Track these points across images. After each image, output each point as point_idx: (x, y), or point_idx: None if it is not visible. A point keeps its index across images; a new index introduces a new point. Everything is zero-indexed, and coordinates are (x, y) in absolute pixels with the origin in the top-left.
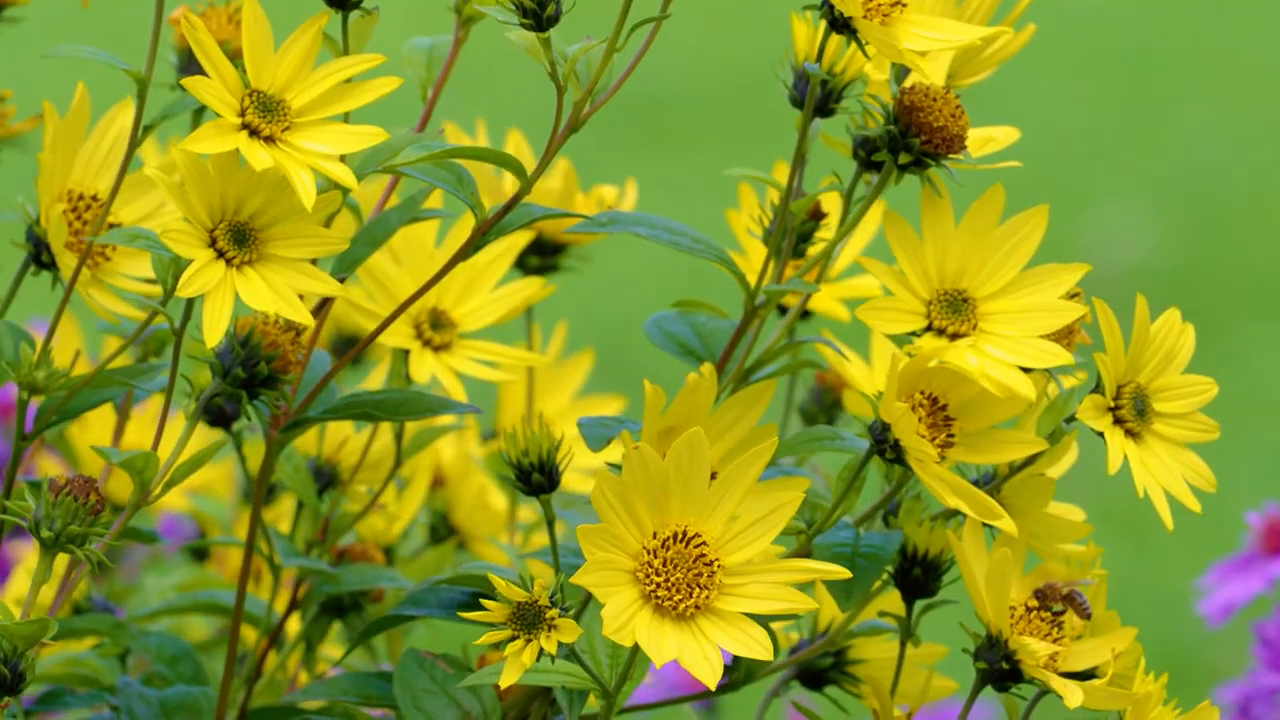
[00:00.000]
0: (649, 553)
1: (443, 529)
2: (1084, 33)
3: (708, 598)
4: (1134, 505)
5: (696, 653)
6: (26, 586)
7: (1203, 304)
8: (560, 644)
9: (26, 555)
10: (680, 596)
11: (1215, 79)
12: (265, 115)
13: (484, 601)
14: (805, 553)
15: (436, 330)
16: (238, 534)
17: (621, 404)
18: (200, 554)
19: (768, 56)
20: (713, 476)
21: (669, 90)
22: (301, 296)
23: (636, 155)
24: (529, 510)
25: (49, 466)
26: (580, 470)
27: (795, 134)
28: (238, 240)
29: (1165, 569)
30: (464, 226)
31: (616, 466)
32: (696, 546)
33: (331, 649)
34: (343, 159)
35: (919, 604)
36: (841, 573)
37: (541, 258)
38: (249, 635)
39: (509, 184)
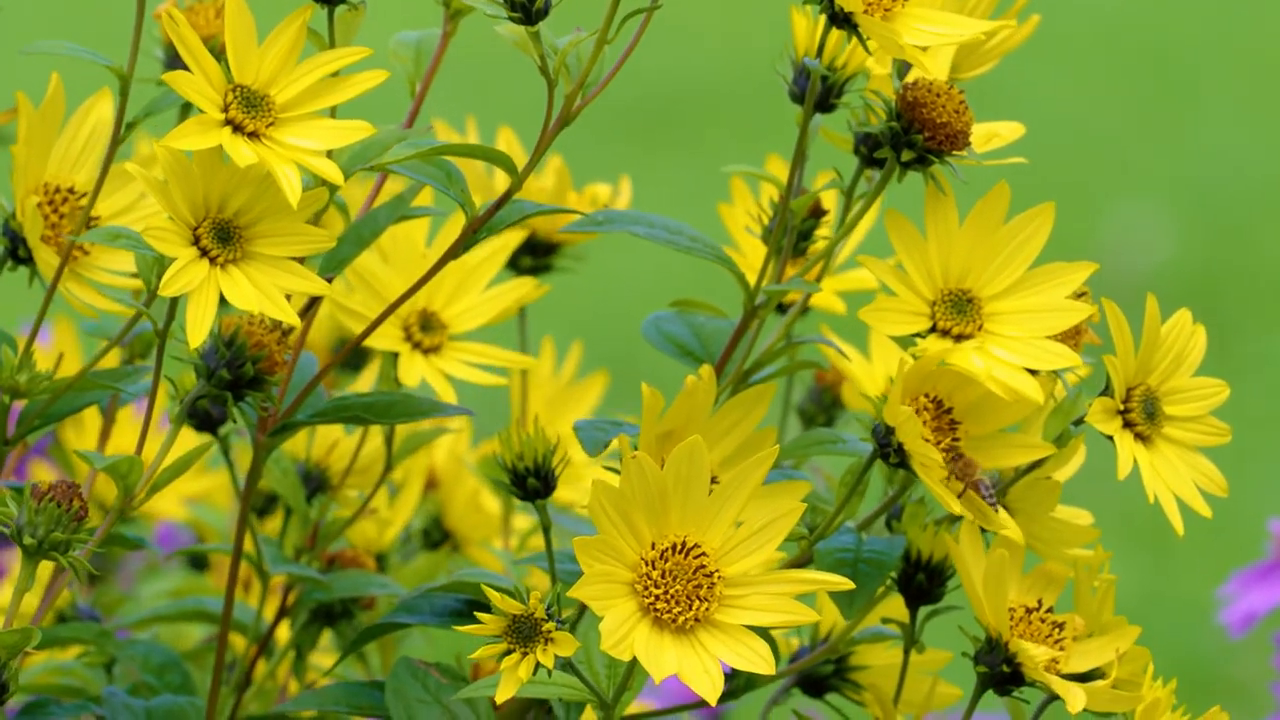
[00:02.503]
0: (647, 564)
1: (436, 532)
2: (1103, 33)
3: (708, 610)
4: (1154, 514)
5: (696, 666)
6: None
7: (1222, 307)
8: (557, 656)
9: (15, 565)
10: (680, 609)
11: (1235, 80)
12: (249, 110)
13: (479, 615)
14: (807, 558)
15: (426, 332)
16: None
17: (605, 379)
18: (199, 564)
19: (771, 53)
20: (713, 481)
21: (670, 87)
22: (289, 297)
23: (637, 153)
24: (525, 515)
25: (41, 472)
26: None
27: (798, 130)
28: (222, 238)
29: (1186, 580)
30: (455, 226)
31: (615, 470)
32: (696, 557)
33: (322, 657)
34: (331, 156)
35: (923, 610)
36: (845, 584)
37: (534, 258)
38: (238, 643)
39: (501, 182)
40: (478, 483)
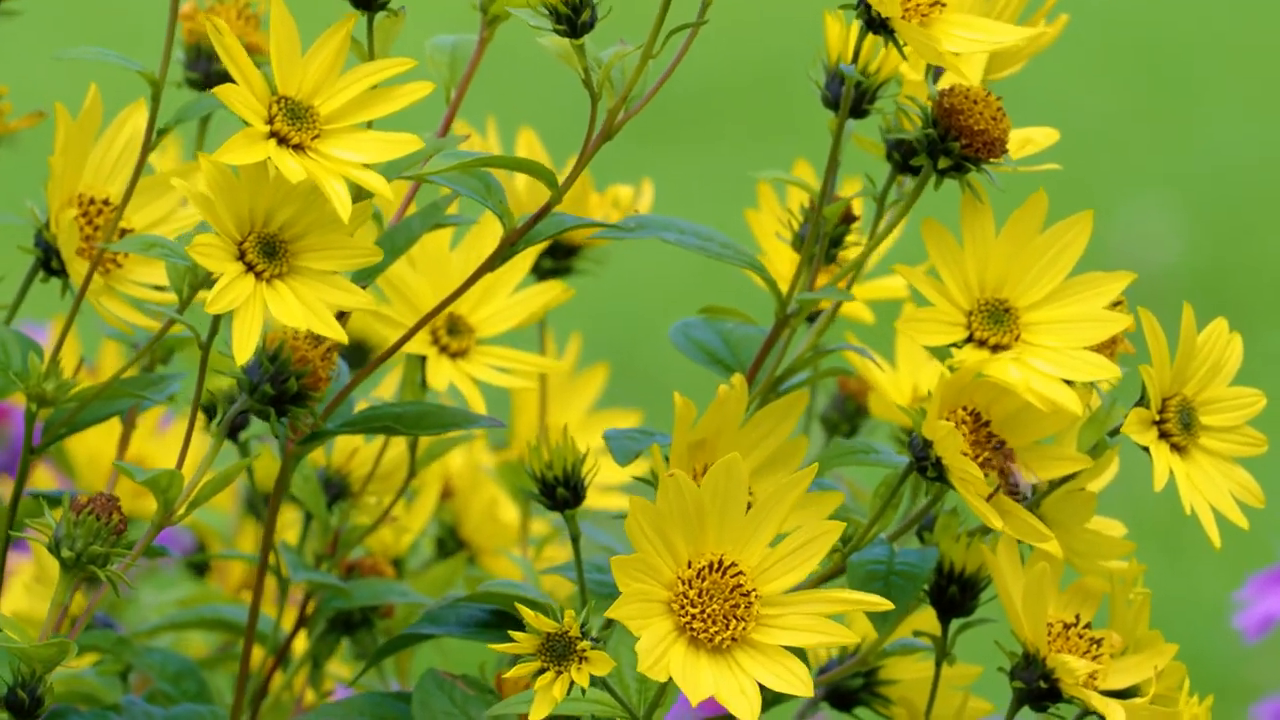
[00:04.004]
0: (684, 583)
1: (451, 542)
2: (1109, 29)
3: (745, 630)
4: (1168, 514)
5: (733, 687)
6: (25, 602)
7: (1232, 304)
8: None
9: (23, 569)
10: (716, 629)
11: (1242, 76)
12: (294, 123)
13: (513, 634)
14: (839, 570)
15: (454, 336)
16: (240, 547)
17: (638, 418)
18: (199, 568)
19: (781, 49)
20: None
21: (679, 83)
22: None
23: (646, 149)
24: (542, 523)
25: (43, 477)
26: (600, 487)
27: (810, 126)
28: (267, 253)
29: (1201, 581)
30: (482, 230)
31: (644, 481)
32: (733, 576)
33: (337, 665)
34: (369, 166)
35: (955, 623)
36: (883, 604)
37: (555, 260)
38: (254, 652)
39: (521, 183)
40: (495, 492)
